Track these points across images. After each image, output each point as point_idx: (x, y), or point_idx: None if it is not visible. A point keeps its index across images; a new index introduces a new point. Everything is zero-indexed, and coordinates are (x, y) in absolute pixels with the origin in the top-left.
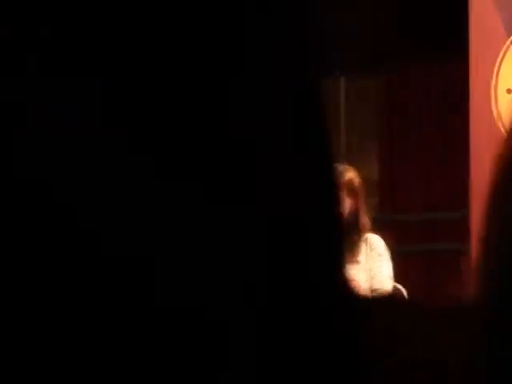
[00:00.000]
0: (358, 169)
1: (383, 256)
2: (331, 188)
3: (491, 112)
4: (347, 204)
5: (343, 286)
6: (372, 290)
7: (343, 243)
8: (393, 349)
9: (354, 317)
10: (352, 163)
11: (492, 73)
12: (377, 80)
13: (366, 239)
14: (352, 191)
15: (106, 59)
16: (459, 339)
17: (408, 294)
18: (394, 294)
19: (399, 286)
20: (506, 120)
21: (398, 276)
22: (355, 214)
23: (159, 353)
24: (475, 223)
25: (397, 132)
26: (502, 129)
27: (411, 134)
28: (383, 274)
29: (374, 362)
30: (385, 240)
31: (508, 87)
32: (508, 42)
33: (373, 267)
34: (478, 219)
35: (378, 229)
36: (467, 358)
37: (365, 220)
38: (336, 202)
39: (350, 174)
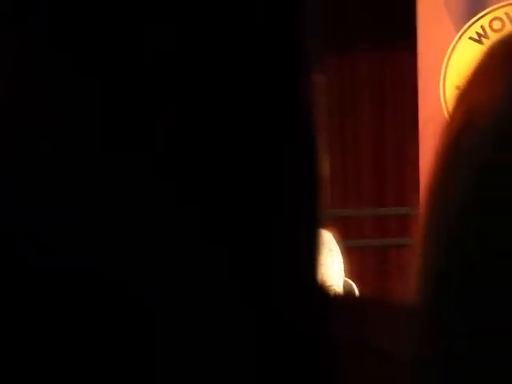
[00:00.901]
0: None
1: (334, 251)
2: (313, 181)
3: (440, 109)
4: None
5: (315, 280)
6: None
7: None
8: (358, 339)
9: (322, 310)
10: None
11: (440, 69)
12: (324, 75)
13: None
14: None
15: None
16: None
17: (359, 288)
18: (347, 289)
19: (350, 281)
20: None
21: (349, 271)
22: None
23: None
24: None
25: (346, 128)
26: None
27: (361, 130)
28: (334, 270)
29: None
30: (335, 235)
31: (457, 84)
32: (456, 38)
33: (323, 263)
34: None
35: (328, 224)
36: (415, 349)
37: None
38: (317, 195)
39: None
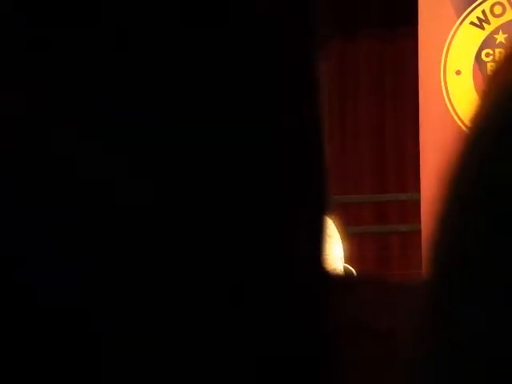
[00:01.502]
0: None
1: (333, 237)
2: (319, 169)
3: (441, 93)
4: None
5: (320, 264)
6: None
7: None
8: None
9: (327, 293)
10: None
11: (441, 54)
12: (324, 62)
13: None
14: None
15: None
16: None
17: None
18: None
19: (350, 268)
20: (454, 101)
21: (349, 257)
22: None
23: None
24: (425, 205)
25: (346, 113)
26: (451, 110)
27: (361, 115)
28: (334, 255)
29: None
30: (336, 222)
31: (457, 69)
32: (457, 23)
33: (324, 248)
34: (428, 201)
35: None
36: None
37: None
38: (324, 182)
39: None
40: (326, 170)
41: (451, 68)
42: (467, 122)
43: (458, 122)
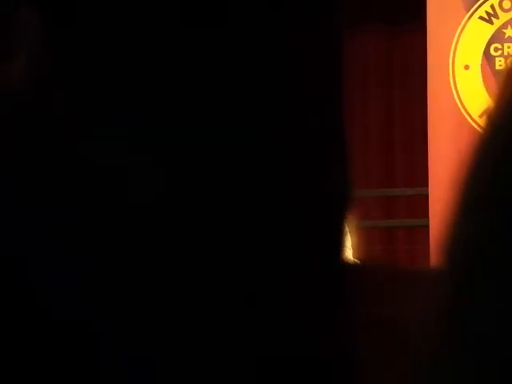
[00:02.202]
0: None
1: None
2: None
3: (449, 87)
4: None
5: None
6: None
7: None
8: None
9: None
10: None
11: (450, 48)
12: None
13: None
14: None
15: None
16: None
17: None
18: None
19: (358, 262)
20: (463, 96)
21: (357, 252)
22: None
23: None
24: (433, 199)
25: (355, 108)
26: (459, 104)
27: (370, 110)
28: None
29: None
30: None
31: (466, 63)
32: (466, 18)
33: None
34: (436, 195)
35: None
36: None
37: None
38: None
39: None
40: (349, 166)
41: (460, 63)
42: (475, 117)
43: (466, 117)
